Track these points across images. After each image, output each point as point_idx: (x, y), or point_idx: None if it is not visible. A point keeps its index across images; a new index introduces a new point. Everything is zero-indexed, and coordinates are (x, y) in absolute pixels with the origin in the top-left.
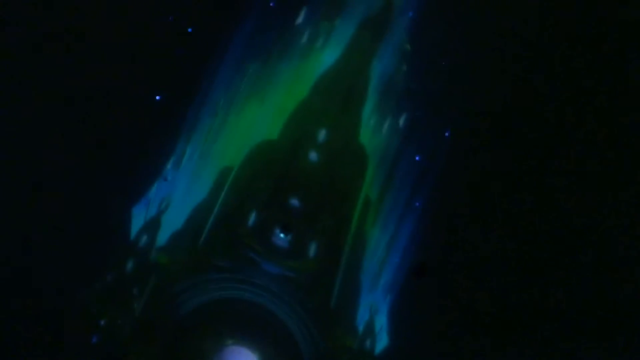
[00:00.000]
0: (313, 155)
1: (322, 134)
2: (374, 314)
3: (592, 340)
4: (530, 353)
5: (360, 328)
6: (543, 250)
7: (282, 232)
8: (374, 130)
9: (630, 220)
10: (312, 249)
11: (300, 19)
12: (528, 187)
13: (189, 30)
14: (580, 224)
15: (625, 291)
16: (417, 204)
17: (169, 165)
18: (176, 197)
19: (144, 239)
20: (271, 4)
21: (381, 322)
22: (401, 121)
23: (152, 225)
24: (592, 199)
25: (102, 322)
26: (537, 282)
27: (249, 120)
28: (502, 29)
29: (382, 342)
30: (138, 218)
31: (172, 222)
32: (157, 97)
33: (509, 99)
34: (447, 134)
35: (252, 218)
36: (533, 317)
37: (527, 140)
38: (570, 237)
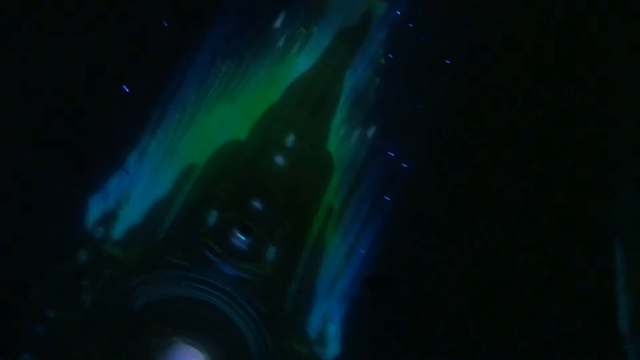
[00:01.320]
0: (279, 160)
1: (290, 139)
2: (327, 321)
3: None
4: None
5: (313, 335)
6: (502, 269)
7: (241, 234)
8: (342, 139)
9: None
10: (271, 253)
11: (278, 23)
12: (494, 206)
13: (164, 24)
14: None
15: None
16: (379, 216)
17: (131, 158)
18: (137, 191)
19: (100, 231)
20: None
21: (334, 331)
22: (370, 133)
23: (109, 218)
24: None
25: (50, 313)
26: (494, 304)
27: (217, 119)
28: (478, 44)
29: (333, 350)
30: (95, 209)
31: (131, 216)
32: (126, 89)
33: (482, 116)
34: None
35: (212, 218)
36: (489, 337)
37: (495, 157)
38: (531, 258)
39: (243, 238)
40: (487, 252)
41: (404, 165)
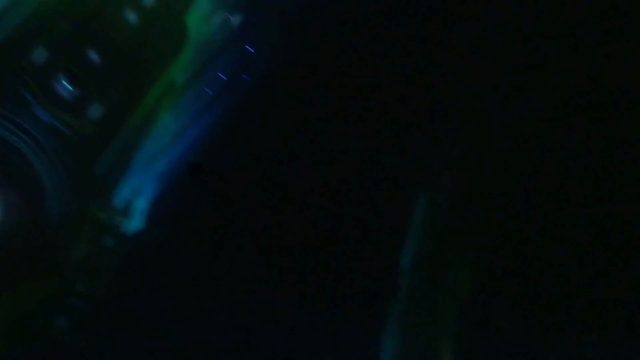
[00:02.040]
0: (131, 15)
1: None
2: (137, 195)
3: None
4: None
5: (118, 205)
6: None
7: (67, 81)
8: (205, 17)
9: None
10: (95, 112)
11: None
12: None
13: None
14: None
15: None
16: (219, 107)
17: None
18: None
19: None
20: None
21: (142, 206)
22: (235, 19)
23: None
24: None
25: None
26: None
27: None
28: None
29: (136, 224)
30: None
31: None
32: None
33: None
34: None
35: (40, 56)
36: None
37: None
38: None
39: (68, 86)
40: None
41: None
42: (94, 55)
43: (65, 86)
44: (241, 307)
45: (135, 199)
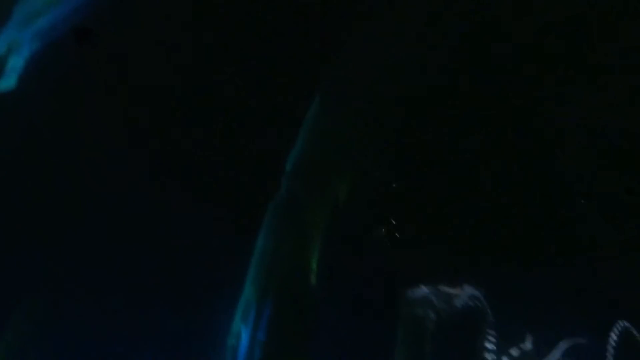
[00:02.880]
0: None
1: None
2: (13, 51)
3: None
4: None
5: None
6: None
7: None
8: None
9: None
10: None
11: None
12: None
13: None
14: None
15: None
16: None
17: None
18: None
19: None
20: None
21: (17, 63)
22: None
23: None
24: None
25: None
26: None
27: None
28: None
29: (8, 82)
30: None
31: None
32: None
33: None
34: None
35: None
36: None
37: None
38: None
39: None
40: None
41: None
42: None
43: None
44: None
45: (11, 55)
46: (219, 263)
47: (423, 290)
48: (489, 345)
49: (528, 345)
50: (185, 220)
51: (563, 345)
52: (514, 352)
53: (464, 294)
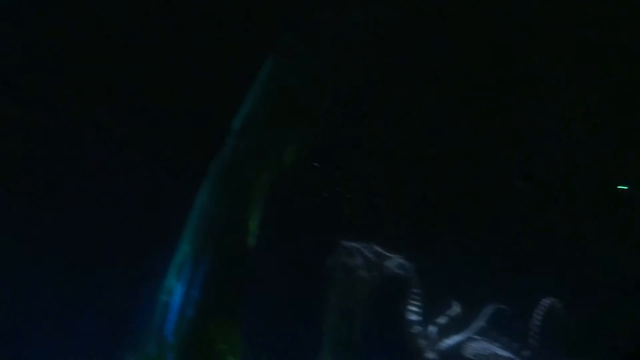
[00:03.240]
0: None
1: None
2: None
3: None
4: None
5: None
6: None
7: None
8: None
9: None
10: None
11: None
12: None
13: None
14: None
15: None
16: None
17: None
18: None
19: None
20: None
21: None
22: None
23: None
24: None
25: None
26: None
27: None
28: None
29: None
30: None
31: None
32: None
33: None
34: None
35: None
36: None
37: None
38: None
39: None
40: None
41: None
42: None
43: None
44: None
45: None
46: (158, 218)
47: (356, 244)
48: (414, 317)
49: (455, 313)
50: (126, 174)
51: (487, 311)
52: (442, 320)
53: (396, 258)
